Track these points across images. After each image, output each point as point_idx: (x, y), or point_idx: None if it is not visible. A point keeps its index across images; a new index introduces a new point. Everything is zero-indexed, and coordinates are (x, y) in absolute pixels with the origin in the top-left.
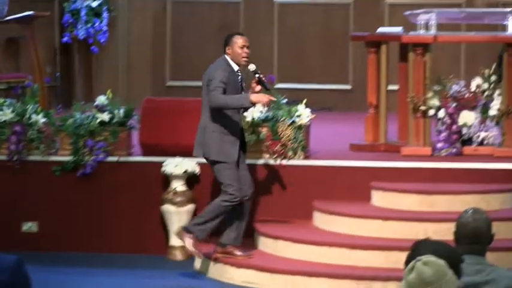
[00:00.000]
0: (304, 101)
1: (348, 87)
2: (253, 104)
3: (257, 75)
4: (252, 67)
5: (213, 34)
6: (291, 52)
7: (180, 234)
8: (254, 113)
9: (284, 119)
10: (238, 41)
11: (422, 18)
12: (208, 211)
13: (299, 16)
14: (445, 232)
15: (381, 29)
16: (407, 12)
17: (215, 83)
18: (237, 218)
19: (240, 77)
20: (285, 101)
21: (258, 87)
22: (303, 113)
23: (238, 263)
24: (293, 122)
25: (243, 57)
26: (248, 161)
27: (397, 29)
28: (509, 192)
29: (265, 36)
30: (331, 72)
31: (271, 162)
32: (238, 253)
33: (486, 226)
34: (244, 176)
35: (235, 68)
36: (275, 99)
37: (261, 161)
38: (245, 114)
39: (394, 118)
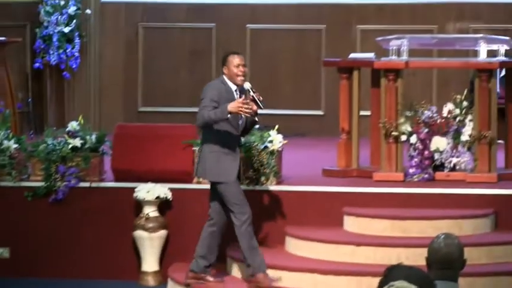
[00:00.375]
0: (277, 127)
1: (320, 112)
2: (231, 114)
3: (251, 94)
4: (247, 85)
5: (185, 59)
6: (263, 77)
7: (258, 282)
8: None
9: (256, 145)
10: (234, 60)
11: (394, 44)
12: (242, 246)
13: (271, 41)
14: (417, 257)
15: (353, 55)
16: (379, 38)
17: (204, 102)
18: (211, 242)
19: (238, 97)
20: (257, 126)
21: (254, 107)
22: (275, 139)
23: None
24: (265, 147)
25: (238, 76)
26: None
27: (369, 55)
28: (481, 218)
29: None
30: (303, 97)
31: (244, 187)
32: (210, 278)
33: (458, 251)
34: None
35: (233, 87)
36: (250, 106)
37: None
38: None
39: (366, 143)
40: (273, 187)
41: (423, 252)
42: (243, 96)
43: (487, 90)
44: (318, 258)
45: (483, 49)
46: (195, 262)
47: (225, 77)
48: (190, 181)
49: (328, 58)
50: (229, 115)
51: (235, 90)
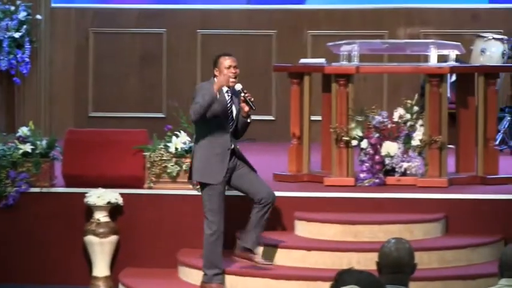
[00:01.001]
0: None
1: (271, 117)
2: (219, 92)
3: (242, 95)
4: (238, 86)
5: (136, 65)
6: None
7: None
8: (177, 144)
9: None
10: (225, 61)
11: (345, 49)
12: (203, 253)
13: (222, 47)
14: (368, 262)
15: (303, 60)
16: (330, 44)
17: (196, 99)
18: (255, 223)
19: (229, 98)
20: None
21: (247, 108)
22: None
23: None
24: None
25: (228, 77)
26: (172, 192)
27: (320, 60)
28: (432, 222)
29: (188, 67)
30: (254, 102)
31: (195, 192)
32: (258, 260)
33: (408, 256)
34: (256, 181)
35: (224, 89)
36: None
37: (184, 192)
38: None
39: (317, 148)
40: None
41: (374, 256)
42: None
43: (438, 95)
44: (269, 263)
45: (434, 54)
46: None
47: (216, 78)
48: (141, 186)
49: (278, 63)
50: (218, 94)
51: (226, 92)
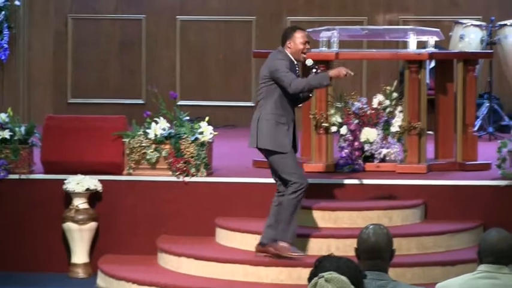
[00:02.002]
0: (207, 118)
1: (250, 104)
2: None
3: (314, 70)
4: (309, 62)
5: (115, 51)
6: (193, 69)
7: (268, 250)
8: (157, 130)
9: (187, 136)
10: (300, 35)
11: (324, 36)
12: (283, 214)
13: (201, 33)
14: (347, 248)
15: None
16: (310, 30)
17: (283, 72)
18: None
19: (298, 71)
20: (187, 118)
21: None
22: (206, 130)
23: (141, 280)
24: (196, 139)
25: (303, 53)
26: (152, 178)
27: None
28: (411, 208)
29: (167, 53)
30: (233, 89)
31: (174, 179)
32: (291, 253)
33: (386, 241)
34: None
35: (294, 61)
36: (350, 72)
37: (163, 178)
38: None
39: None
40: (204, 179)
41: (353, 243)
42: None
43: (417, 81)
44: (249, 250)
45: (413, 40)
46: (263, 234)
47: (287, 50)
48: (120, 173)
49: (258, 50)
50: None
51: (296, 65)
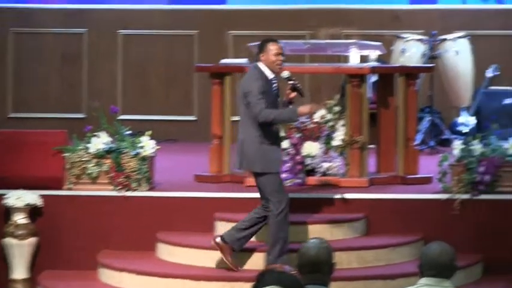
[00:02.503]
0: (149, 133)
1: (192, 118)
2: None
3: (291, 82)
4: (285, 74)
5: (57, 65)
6: (135, 83)
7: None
8: (98, 145)
9: (128, 151)
10: (273, 47)
11: None
12: (271, 233)
13: (143, 47)
14: (289, 262)
15: (224, 60)
16: (252, 44)
17: (255, 97)
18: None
19: (275, 85)
20: (128, 132)
21: (293, 94)
22: (147, 144)
23: None
24: (137, 153)
25: (277, 65)
26: (92, 193)
27: (242, 60)
28: (352, 222)
29: (109, 67)
30: (175, 103)
31: (115, 194)
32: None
33: (327, 255)
34: None
35: (270, 75)
36: (321, 107)
37: (104, 193)
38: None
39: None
40: (145, 193)
41: (295, 256)
42: (288, 87)
43: (359, 95)
44: (190, 264)
45: (355, 54)
46: (228, 232)
47: (260, 64)
48: (61, 188)
49: (200, 64)
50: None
51: (272, 79)
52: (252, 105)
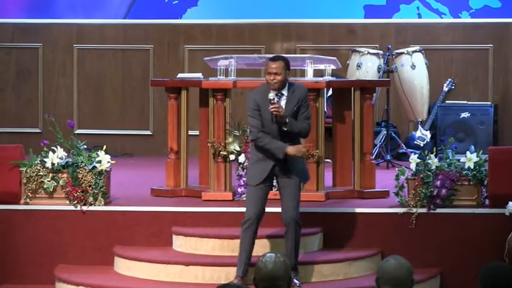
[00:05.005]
0: (105, 147)
1: (148, 132)
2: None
3: (270, 107)
4: (270, 95)
5: (12, 79)
6: (90, 97)
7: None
8: (54, 159)
9: (84, 165)
10: (267, 65)
11: (221, 64)
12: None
13: (98, 61)
14: (246, 277)
15: (180, 75)
16: (207, 58)
17: (248, 112)
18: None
19: (272, 101)
20: (84, 146)
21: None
22: (103, 159)
23: None
24: (93, 167)
25: (269, 83)
26: (49, 207)
27: (197, 75)
28: (309, 236)
29: (64, 81)
30: (131, 117)
31: (72, 208)
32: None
33: (284, 270)
34: (286, 198)
35: (271, 93)
36: (307, 150)
37: (61, 207)
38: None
39: (195, 163)
40: (101, 207)
41: (252, 271)
42: (303, 143)
43: (314, 109)
44: (147, 279)
45: (310, 69)
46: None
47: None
48: (17, 202)
49: (156, 78)
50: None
51: (272, 98)
52: (248, 120)
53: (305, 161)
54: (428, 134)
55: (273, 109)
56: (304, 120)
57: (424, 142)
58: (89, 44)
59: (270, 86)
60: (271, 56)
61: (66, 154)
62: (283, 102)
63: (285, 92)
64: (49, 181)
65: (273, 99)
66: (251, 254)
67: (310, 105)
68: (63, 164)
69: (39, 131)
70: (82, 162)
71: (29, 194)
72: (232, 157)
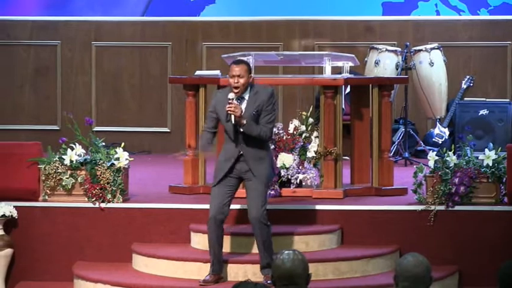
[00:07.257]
0: (123, 144)
1: (166, 129)
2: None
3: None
4: (231, 96)
5: (30, 77)
6: (108, 95)
7: None
8: (72, 156)
9: (102, 162)
10: (231, 68)
11: None
12: None
13: (117, 59)
14: None
15: (198, 72)
16: (225, 55)
17: (208, 110)
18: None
19: (229, 101)
20: (103, 144)
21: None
22: (122, 156)
23: None
24: (112, 165)
25: (232, 86)
26: (67, 205)
27: (215, 72)
28: (327, 234)
29: (82, 79)
30: (149, 115)
31: (90, 205)
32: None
33: (301, 267)
34: (247, 203)
35: (232, 95)
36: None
37: (79, 204)
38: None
39: (212, 161)
40: (120, 205)
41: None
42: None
43: (333, 106)
44: (165, 276)
45: (328, 66)
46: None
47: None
48: (36, 199)
49: (174, 75)
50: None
51: (231, 98)
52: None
53: (270, 156)
54: (446, 131)
55: (228, 109)
56: (265, 124)
57: (442, 139)
58: (107, 41)
59: (232, 89)
60: (290, 53)
61: (84, 151)
62: (243, 106)
63: (246, 95)
64: (67, 178)
65: (232, 99)
66: (220, 251)
67: (275, 109)
68: (81, 161)
69: (58, 128)
70: (100, 159)
71: (48, 191)
72: None
